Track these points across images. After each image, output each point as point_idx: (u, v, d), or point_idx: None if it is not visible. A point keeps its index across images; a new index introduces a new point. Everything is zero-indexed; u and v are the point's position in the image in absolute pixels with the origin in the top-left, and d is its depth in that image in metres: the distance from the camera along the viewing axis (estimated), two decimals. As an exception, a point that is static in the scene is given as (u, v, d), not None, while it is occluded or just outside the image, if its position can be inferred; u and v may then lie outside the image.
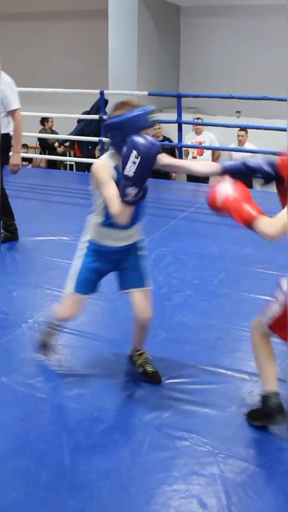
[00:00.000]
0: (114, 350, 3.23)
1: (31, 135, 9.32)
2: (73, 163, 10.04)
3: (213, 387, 2.88)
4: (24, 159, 11.12)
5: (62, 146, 9.72)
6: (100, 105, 7.79)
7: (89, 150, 8.66)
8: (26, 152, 10.70)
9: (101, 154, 8.09)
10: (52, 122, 9.67)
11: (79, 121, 8.71)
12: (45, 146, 9.88)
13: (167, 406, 2.69)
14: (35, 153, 10.67)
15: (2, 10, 12.29)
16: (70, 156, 9.99)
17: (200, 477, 2.26)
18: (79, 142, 8.61)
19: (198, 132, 8.37)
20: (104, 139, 8.13)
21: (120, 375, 2.96)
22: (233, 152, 8.16)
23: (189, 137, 8.34)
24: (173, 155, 8.45)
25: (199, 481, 2.24)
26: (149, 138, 2.40)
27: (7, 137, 4.73)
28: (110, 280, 4.22)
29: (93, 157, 8.24)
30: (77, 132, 8.57)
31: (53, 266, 4.49)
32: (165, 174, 8.48)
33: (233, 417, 2.65)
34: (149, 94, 7.64)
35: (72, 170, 10.26)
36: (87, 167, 8.53)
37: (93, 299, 3.92)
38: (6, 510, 2.10)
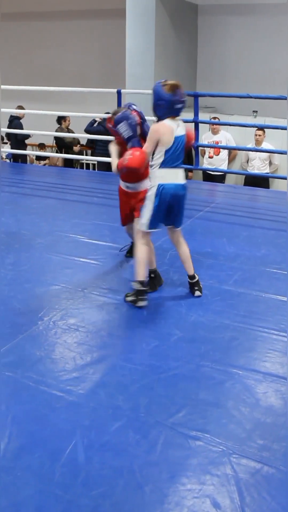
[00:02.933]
0: (128, 349, 3.24)
1: (48, 133, 9.36)
2: (90, 162, 10.06)
3: (227, 387, 2.87)
4: (41, 158, 11.17)
5: (78, 145, 9.75)
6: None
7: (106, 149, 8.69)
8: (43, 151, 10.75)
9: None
10: (69, 121, 9.69)
11: (97, 123, 8.75)
12: (62, 145, 9.90)
13: (181, 406, 2.69)
14: (51, 152, 10.71)
15: (20, 9, 12.35)
16: (86, 155, 10.01)
17: (213, 477, 2.26)
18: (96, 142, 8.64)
19: (214, 132, 8.33)
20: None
21: (134, 374, 2.96)
22: (250, 152, 8.12)
23: (205, 137, 8.30)
24: (189, 155, 8.44)
25: (212, 481, 2.24)
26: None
27: None
28: (124, 279, 4.24)
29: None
30: (95, 131, 8.60)
31: (68, 264, 4.51)
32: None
33: (247, 417, 2.64)
34: (166, 93, 7.62)
35: (89, 169, 10.29)
36: (107, 166, 8.54)
37: (107, 298, 3.94)
38: (19, 506, 2.12)
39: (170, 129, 3.59)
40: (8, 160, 10.60)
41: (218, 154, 8.38)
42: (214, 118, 8.62)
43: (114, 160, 4.13)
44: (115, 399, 2.74)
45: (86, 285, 4.12)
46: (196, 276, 3.95)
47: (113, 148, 4.21)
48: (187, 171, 8.59)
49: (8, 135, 10.16)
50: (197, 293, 3.92)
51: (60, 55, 12.28)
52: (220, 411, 2.67)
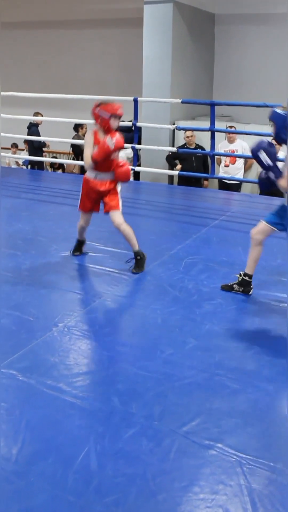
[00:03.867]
0: (143, 357, 3.23)
1: (65, 141, 9.41)
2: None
3: (242, 396, 2.86)
4: (55, 167, 11.23)
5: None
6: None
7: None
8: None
9: (134, 160, 8.12)
10: (85, 128, 9.73)
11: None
12: (78, 152, 9.94)
13: (194, 414, 2.68)
14: (68, 159, 10.77)
15: (39, 18, 12.47)
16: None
17: (226, 487, 2.24)
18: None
19: (231, 141, 8.33)
20: (137, 146, 8.15)
21: (148, 382, 2.95)
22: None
23: (221, 146, 8.30)
24: (206, 163, 8.45)
25: (225, 491, 2.22)
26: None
27: None
28: (141, 287, 4.25)
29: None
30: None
31: (84, 271, 4.53)
32: (196, 182, 8.47)
33: (262, 427, 2.62)
34: (182, 102, 7.65)
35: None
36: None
37: (123, 306, 3.94)
38: (31, 511, 2.12)
39: None
40: (24, 167, 10.69)
41: (234, 163, 8.37)
42: (231, 127, 8.62)
43: (88, 151, 4.42)
44: (129, 406, 2.74)
45: (101, 292, 4.13)
46: None
47: (90, 139, 4.44)
48: (202, 179, 8.62)
49: (27, 142, 10.26)
50: None
51: (77, 63, 12.37)
52: (234, 420, 2.65)
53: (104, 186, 4.48)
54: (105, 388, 2.90)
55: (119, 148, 4.35)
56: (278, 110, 3.67)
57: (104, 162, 4.41)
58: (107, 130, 4.38)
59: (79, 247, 4.91)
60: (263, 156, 3.63)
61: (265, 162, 3.64)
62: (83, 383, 2.93)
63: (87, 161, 4.43)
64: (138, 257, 4.50)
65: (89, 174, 4.53)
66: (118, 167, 4.46)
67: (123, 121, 8.46)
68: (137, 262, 4.50)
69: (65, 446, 2.45)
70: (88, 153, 4.42)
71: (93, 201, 4.57)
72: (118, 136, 4.34)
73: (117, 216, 4.46)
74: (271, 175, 3.66)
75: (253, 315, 3.79)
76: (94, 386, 2.92)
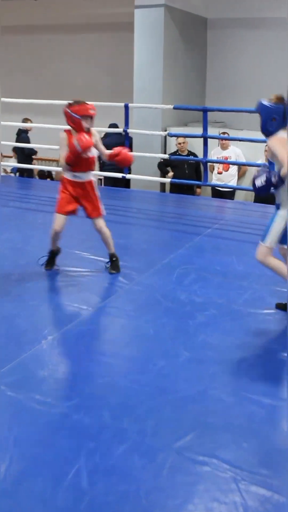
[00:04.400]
0: (135, 369, 3.18)
1: (55, 147, 9.35)
2: (97, 177, 10.03)
3: (237, 410, 2.80)
4: (45, 175, 11.15)
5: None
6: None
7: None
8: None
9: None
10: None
11: (106, 136, 8.68)
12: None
13: (188, 429, 2.62)
14: (57, 166, 10.71)
15: (29, 22, 12.45)
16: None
17: (221, 504, 2.18)
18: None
19: (224, 147, 8.30)
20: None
21: (140, 396, 2.90)
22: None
23: (214, 152, 8.26)
24: (198, 170, 8.41)
25: (220, 509, 2.16)
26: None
27: None
28: (133, 298, 4.19)
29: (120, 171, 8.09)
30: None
31: (73, 282, 4.47)
32: (189, 189, 8.44)
33: (257, 442, 2.57)
34: (174, 108, 7.62)
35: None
36: (115, 181, 8.46)
37: (114, 317, 3.88)
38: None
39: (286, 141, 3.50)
40: (13, 174, 10.61)
41: (227, 170, 8.33)
42: (224, 133, 8.59)
43: (62, 152, 4.48)
44: (120, 421, 2.68)
45: (91, 303, 4.07)
46: None
47: (63, 140, 4.50)
48: (195, 187, 8.59)
49: (15, 149, 10.17)
50: None
51: (68, 68, 12.32)
52: (229, 435, 2.59)
53: (82, 186, 4.53)
54: (96, 403, 2.83)
55: (87, 148, 4.36)
56: (265, 102, 3.60)
57: (80, 162, 4.46)
58: (79, 130, 4.42)
59: (52, 260, 4.72)
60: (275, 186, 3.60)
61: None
62: (73, 398, 2.87)
63: (61, 162, 4.50)
64: (114, 259, 4.63)
65: (67, 175, 4.56)
66: (115, 157, 4.61)
67: (112, 125, 8.47)
68: (113, 263, 4.63)
69: (55, 463, 2.39)
70: (62, 154, 4.47)
71: (71, 202, 4.56)
72: (85, 137, 4.35)
73: (99, 221, 4.58)
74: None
75: (247, 326, 3.74)
76: (85, 400, 2.85)
